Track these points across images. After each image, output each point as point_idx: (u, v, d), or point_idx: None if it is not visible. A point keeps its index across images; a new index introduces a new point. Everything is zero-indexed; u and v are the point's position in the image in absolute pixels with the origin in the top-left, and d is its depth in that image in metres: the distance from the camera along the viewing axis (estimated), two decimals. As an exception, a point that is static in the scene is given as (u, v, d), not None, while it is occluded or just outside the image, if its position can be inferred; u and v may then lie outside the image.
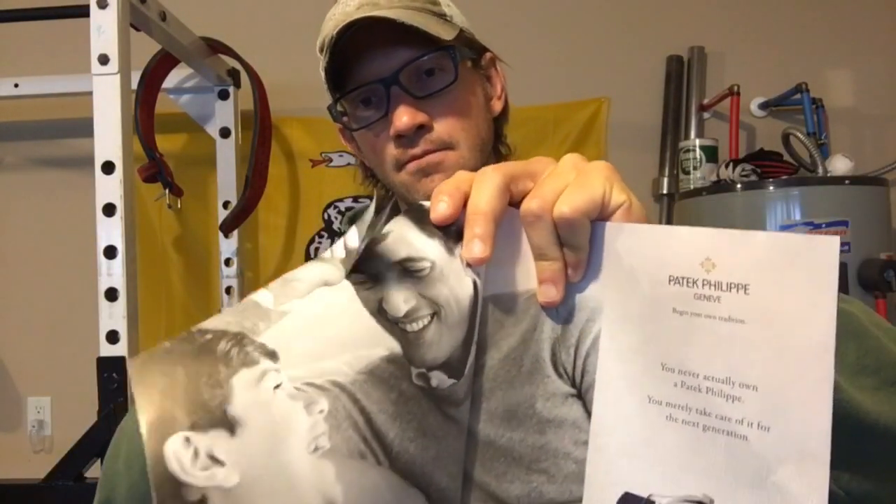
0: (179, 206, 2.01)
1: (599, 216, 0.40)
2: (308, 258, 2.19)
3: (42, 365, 2.20)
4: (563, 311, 0.42)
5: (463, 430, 0.42)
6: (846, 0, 2.16)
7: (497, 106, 0.79)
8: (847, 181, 1.71)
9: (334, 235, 2.18)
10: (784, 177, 1.81)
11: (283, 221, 2.20)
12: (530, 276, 0.42)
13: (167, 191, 1.88)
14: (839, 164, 1.81)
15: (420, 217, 0.41)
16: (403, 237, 0.40)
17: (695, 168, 2.00)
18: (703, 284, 0.37)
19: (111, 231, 1.34)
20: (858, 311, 0.50)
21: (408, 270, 0.40)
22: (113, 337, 1.32)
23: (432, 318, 0.40)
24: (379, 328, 0.39)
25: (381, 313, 0.39)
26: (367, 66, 0.70)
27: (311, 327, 0.39)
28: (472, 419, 0.42)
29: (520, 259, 0.42)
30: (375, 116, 0.71)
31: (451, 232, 0.40)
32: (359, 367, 0.38)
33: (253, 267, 2.19)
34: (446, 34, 0.70)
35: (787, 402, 0.35)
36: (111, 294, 1.33)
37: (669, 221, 2.10)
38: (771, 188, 1.69)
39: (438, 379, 0.40)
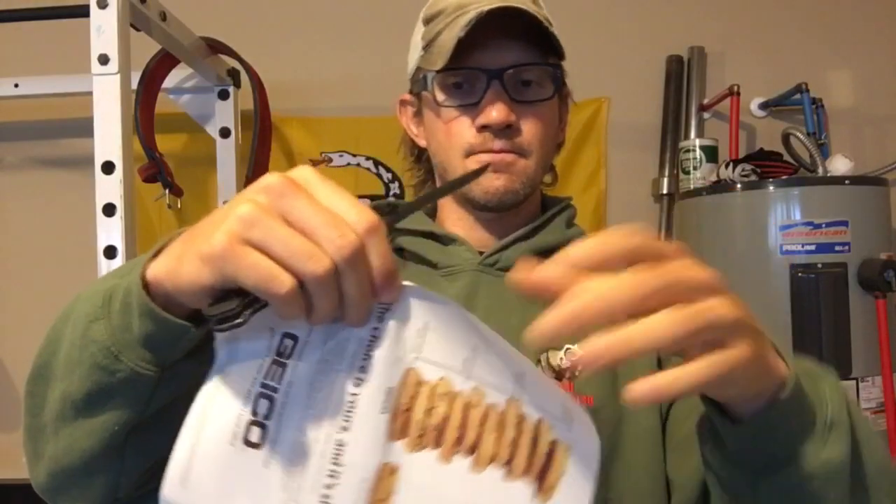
0: (179, 206, 2.01)
1: None
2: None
3: (42, 365, 2.20)
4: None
5: None
6: (846, 0, 2.16)
7: (561, 136, 0.84)
8: (847, 181, 1.70)
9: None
10: (784, 177, 1.81)
11: (283, 221, 2.19)
12: None
13: (167, 191, 1.88)
14: (839, 164, 1.81)
15: None
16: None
17: (695, 168, 2.00)
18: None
19: (111, 231, 1.34)
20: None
21: None
22: (113, 337, 1.32)
23: None
24: None
25: None
26: (478, 51, 0.73)
27: None
28: None
29: None
30: (467, 101, 0.75)
31: None
32: None
33: (253, 267, 2.18)
34: (563, 51, 0.76)
35: None
36: (111, 294, 1.33)
37: (669, 221, 2.10)
38: (771, 188, 1.69)
39: None
